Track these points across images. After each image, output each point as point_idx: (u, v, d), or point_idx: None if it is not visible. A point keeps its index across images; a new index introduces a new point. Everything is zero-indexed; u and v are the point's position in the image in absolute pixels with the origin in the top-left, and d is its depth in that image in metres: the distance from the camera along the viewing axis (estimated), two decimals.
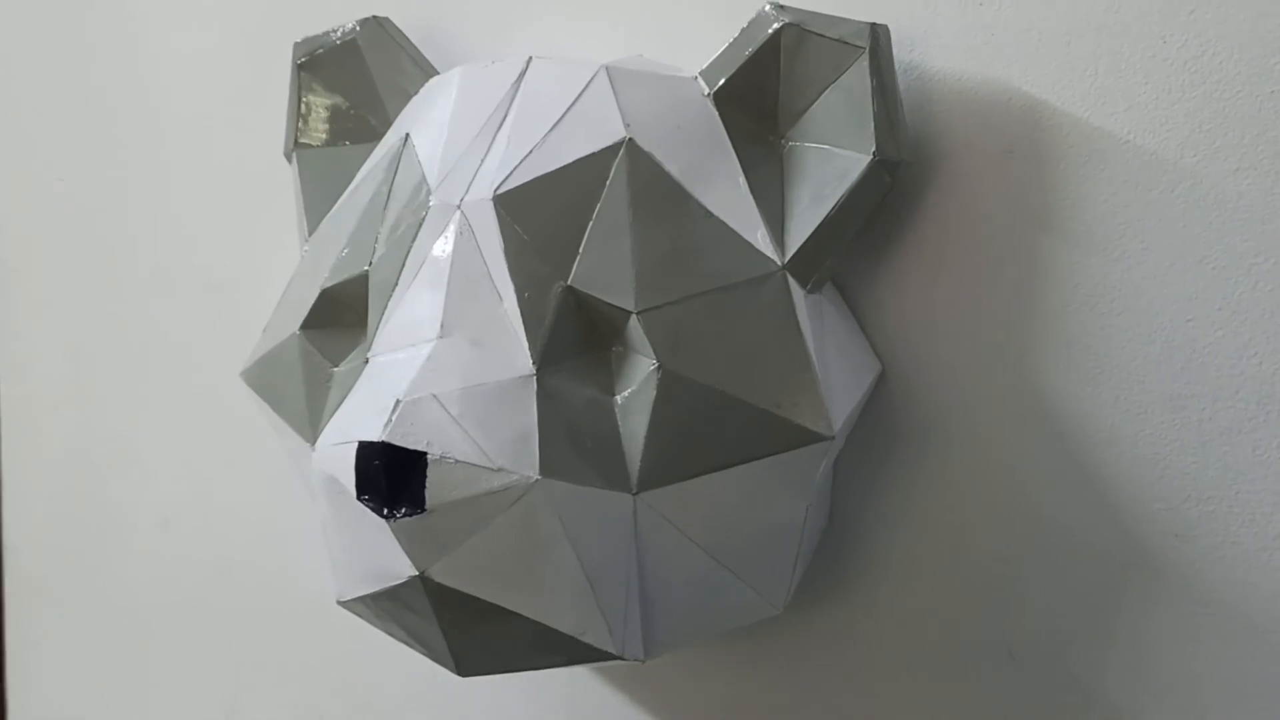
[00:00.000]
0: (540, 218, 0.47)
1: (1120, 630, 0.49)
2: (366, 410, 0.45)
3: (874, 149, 0.47)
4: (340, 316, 0.51)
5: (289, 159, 0.59)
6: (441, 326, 0.46)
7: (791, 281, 0.47)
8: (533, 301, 0.46)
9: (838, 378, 0.48)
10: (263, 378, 0.54)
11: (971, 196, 0.50)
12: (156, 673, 0.72)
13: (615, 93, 0.49)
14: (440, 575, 0.45)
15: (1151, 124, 0.47)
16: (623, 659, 0.47)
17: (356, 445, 0.44)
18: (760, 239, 0.47)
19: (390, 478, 0.43)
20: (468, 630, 0.47)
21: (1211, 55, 0.46)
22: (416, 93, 0.55)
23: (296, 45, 0.58)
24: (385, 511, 0.43)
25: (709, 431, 0.45)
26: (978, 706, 0.52)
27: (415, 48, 0.56)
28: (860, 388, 0.49)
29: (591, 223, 0.47)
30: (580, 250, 0.46)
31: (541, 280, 0.46)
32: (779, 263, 0.47)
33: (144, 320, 0.70)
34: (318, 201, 0.57)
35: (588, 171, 0.47)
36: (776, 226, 0.48)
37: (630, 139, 0.47)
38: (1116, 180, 0.48)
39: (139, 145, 0.70)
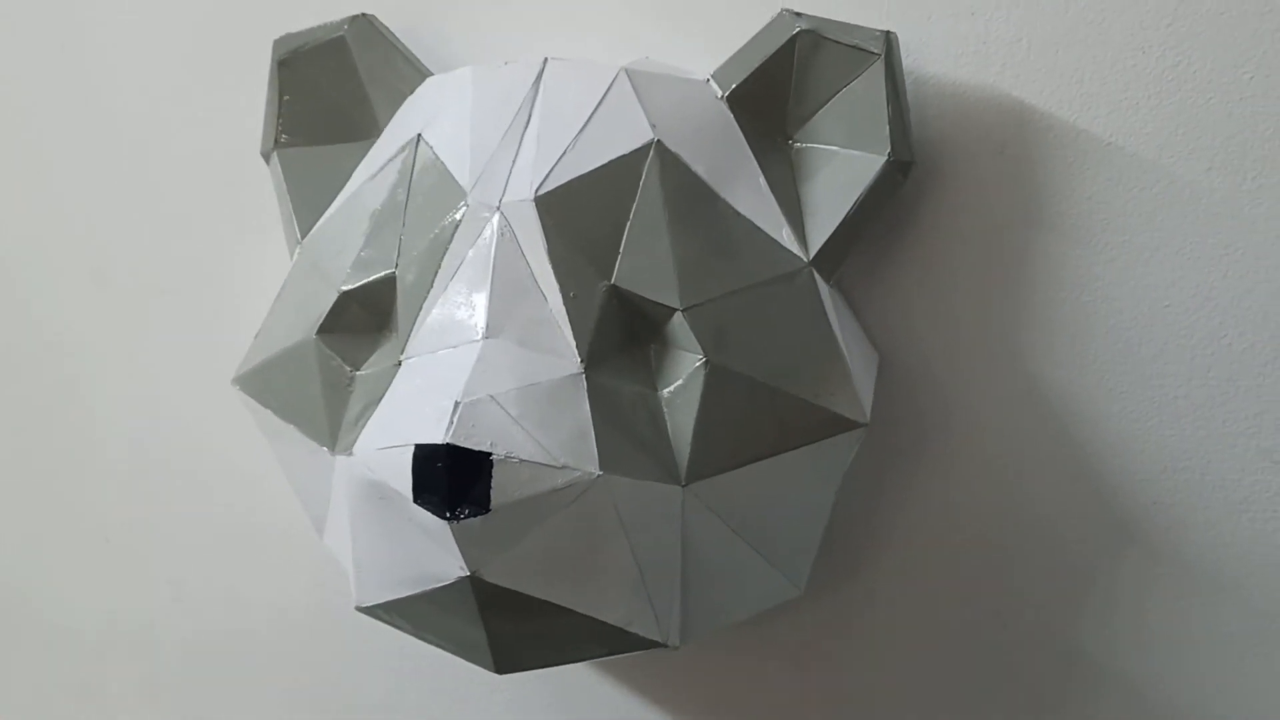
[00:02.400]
0: (580, 218, 0.47)
1: (1102, 593, 0.54)
2: (416, 412, 0.44)
3: (889, 150, 0.49)
4: (358, 319, 0.50)
5: (267, 159, 0.57)
6: (487, 328, 0.46)
7: (817, 277, 0.49)
8: (578, 301, 0.46)
9: (857, 367, 0.50)
10: (265, 384, 0.53)
11: (964, 194, 0.53)
12: (105, 700, 0.68)
13: (638, 95, 0.50)
14: (491, 575, 0.45)
15: (1132, 127, 0.51)
16: (665, 646, 0.48)
17: (413, 448, 0.43)
18: (785, 237, 0.49)
19: (452, 480, 0.43)
20: (510, 628, 0.48)
21: (1186, 65, 0.50)
22: (411, 92, 0.54)
23: (277, 42, 0.56)
24: (448, 514, 0.43)
25: (753, 423, 0.47)
26: (974, 670, 0.56)
27: (406, 46, 0.55)
28: (872, 376, 0.52)
29: (629, 223, 0.48)
30: (620, 250, 0.47)
31: (585, 280, 0.47)
32: (805, 259, 0.49)
33: (81, 326, 0.66)
34: (307, 202, 0.55)
35: (621, 172, 0.48)
36: (797, 224, 0.50)
37: (658, 140, 0.48)
38: (1100, 178, 0.52)
39: (79, 137, 0.66)
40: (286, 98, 0.56)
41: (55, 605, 0.68)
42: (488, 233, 0.47)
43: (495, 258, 0.47)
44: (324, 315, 0.50)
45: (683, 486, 0.46)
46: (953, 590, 0.55)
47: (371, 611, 0.51)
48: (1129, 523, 0.53)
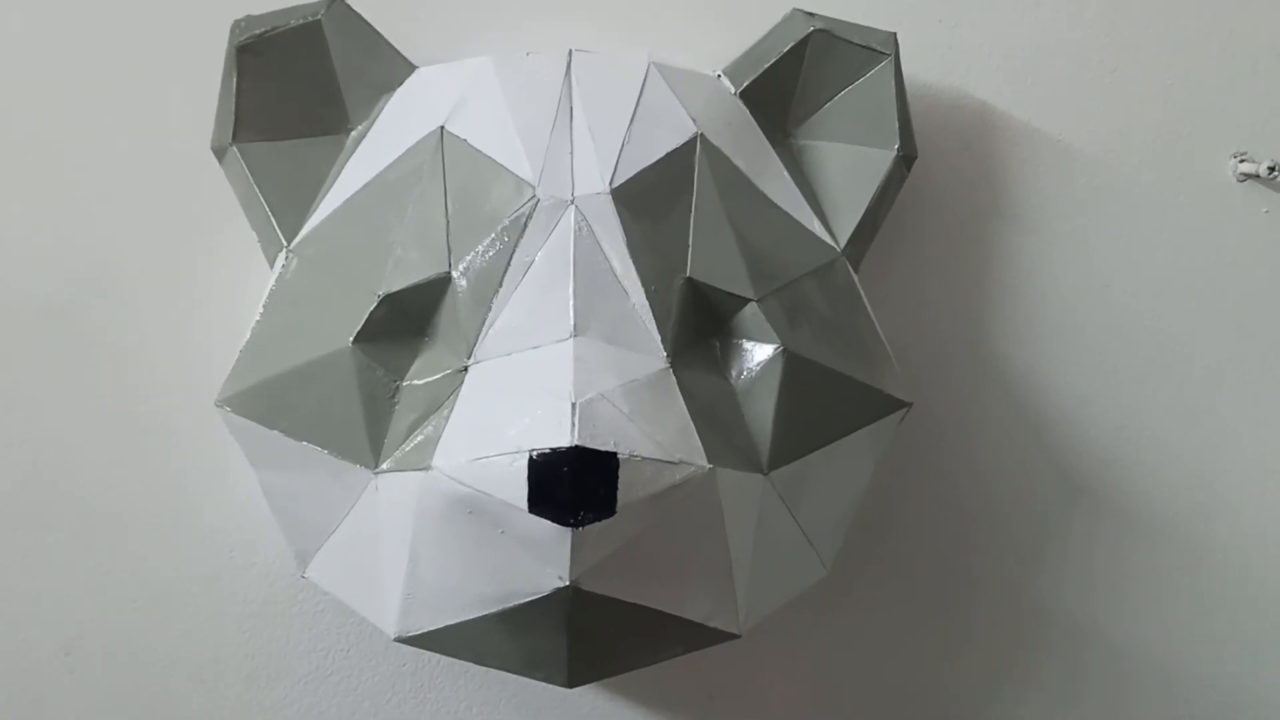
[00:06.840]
0: (650, 211, 0.46)
1: (1056, 546, 0.60)
2: (520, 416, 0.42)
3: (898, 145, 0.52)
4: (396, 325, 0.46)
5: (220, 153, 0.51)
6: (574, 326, 0.44)
7: (849, 265, 0.51)
8: (659, 295, 0.46)
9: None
10: (271, 403, 0.47)
11: (933, 186, 0.57)
12: None
13: (672, 90, 0.49)
14: (589, 583, 0.43)
15: (1078, 126, 0.57)
16: (737, 637, 0.48)
17: (529, 455, 0.41)
18: (818, 228, 0.51)
19: (577, 484, 0.41)
20: (592, 637, 0.46)
21: (1123, 73, 0.57)
22: (399, 83, 0.51)
23: (237, 24, 0.50)
24: (572, 520, 0.41)
25: (825, 407, 0.48)
26: (948, 626, 0.60)
27: (384, 36, 0.52)
28: None
29: (692, 215, 0.47)
30: (689, 242, 0.47)
31: (663, 274, 0.46)
32: (838, 249, 0.51)
33: None
34: (284, 200, 0.50)
35: (676, 165, 0.48)
36: (820, 216, 0.52)
37: (702, 134, 0.49)
38: (1051, 173, 0.58)
39: None
40: (246, 86, 0.51)
41: None
42: (563, 227, 0.45)
43: (575, 253, 0.45)
44: (361, 322, 0.46)
45: (765, 475, 0.47)
46: (923, 560, 0.59)
47: (420, 640, 0.47)
48: (1081, 481, 0.59)
